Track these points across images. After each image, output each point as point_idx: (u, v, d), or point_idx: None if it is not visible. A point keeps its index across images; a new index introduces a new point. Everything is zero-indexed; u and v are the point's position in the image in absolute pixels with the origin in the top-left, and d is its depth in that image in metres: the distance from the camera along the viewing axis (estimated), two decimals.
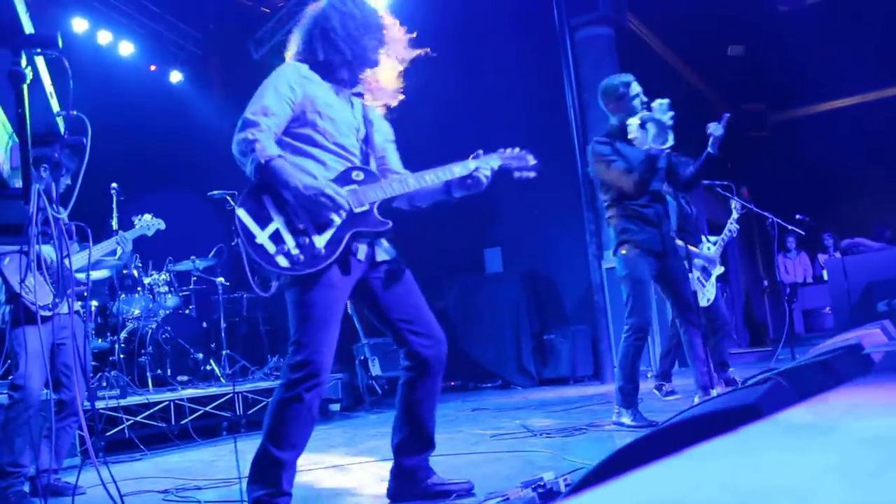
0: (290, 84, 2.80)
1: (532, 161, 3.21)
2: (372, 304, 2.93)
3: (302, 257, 2.62)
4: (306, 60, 2.94)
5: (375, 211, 2.81)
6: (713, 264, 6.29)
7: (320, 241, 2.66)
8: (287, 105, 2.78)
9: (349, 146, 2.89)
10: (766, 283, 14.60)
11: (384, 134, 3.16)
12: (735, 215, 6.59)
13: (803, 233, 7.60)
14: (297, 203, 2.65)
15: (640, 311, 4.61)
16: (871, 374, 1.85)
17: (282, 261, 2.60)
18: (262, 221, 2.65)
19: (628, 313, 4.65)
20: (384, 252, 2.94)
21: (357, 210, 2.75)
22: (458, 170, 3.00)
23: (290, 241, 2.63)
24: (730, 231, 6.46)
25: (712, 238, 6.45)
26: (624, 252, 4.66)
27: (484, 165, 3.03)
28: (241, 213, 2.65)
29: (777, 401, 1.36)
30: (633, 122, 4.41)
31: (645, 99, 4.63)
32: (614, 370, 5.04)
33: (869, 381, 1.63)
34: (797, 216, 7.72)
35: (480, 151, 3.08)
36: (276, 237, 2.63)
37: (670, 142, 4.38)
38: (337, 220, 2.69)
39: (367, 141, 2.99)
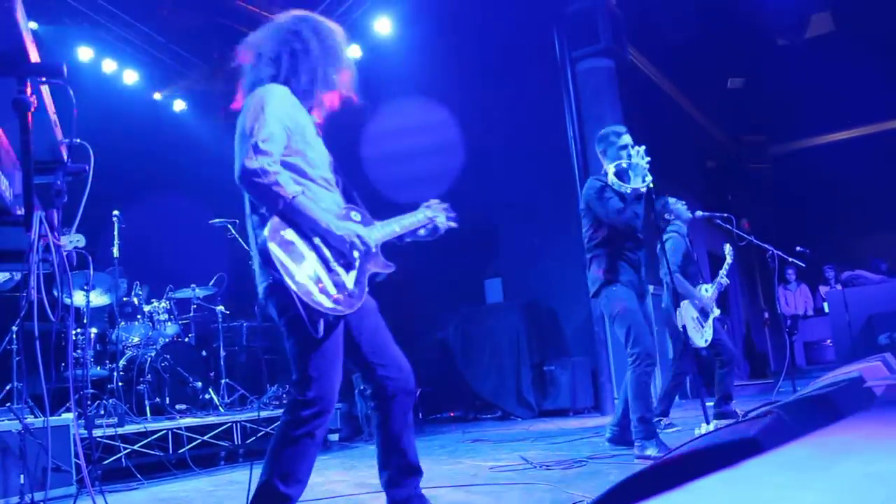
0: (286, 110, 2.73)
1: (451, 213, 3.29)
2: (345, 337, 2.83)
3: (341, 297, 2.61)
4: (286, 83, 2.84)
5: (380, 253, 2.84)
6: (710, 308, 6.31)
7: (350, 280, 2.67)
8: (284, 133, 2.69)
9: (328, 178, 2.87)
10: (766, 314, 14.58)
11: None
12: (729, 260, 6.65)
13: (803, 265, 7.60)
14: (325, 240, 2.64)
15: (642, 340, 4.65)
16: (872, 408, 1.84)
17: (325, 301, 2.55)
18: (297, 258, 2.56)
19: (632, 343, 4.65)
20: None
21: (372, 250, 2.81)
22: (420, 216, 3.12)
23: (327, 280, 2.59)
24: (720, 284, 6.52)
25: (706, 286, 6.47)
26: (615, 288, 4.75)
27: (439, 215, 3.15)
28: (274, 247, 2.53)
29: (778, 435, 1.35)
30: (610, 169, 4.69)
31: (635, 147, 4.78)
32: (615, 401, 5.02)
33: (870, 416, 1.62)
34: (797, 248, 7.72)
35: (435, 201, 3.20)
36: (313, 275, 2.57)
37: (649, 180, 4.56)
38: (358, 259, 2.73)
39: (336, 171, 2.96)
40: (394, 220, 3.01)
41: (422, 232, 3.15)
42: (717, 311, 6.36)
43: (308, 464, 2.65)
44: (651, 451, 4.50)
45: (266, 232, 2.55)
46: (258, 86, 2.80)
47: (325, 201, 2.77)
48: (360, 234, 2.68)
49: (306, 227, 2.61)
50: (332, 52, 2.92)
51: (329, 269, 2.63)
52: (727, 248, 6.71)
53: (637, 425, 4.61)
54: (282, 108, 2.71)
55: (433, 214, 3.13)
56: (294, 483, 2.62)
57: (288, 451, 2.61)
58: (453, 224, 3.26)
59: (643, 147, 4.62)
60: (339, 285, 2.61)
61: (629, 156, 4.67)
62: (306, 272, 2.55)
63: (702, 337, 6.16)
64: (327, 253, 2.64)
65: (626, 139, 4.86)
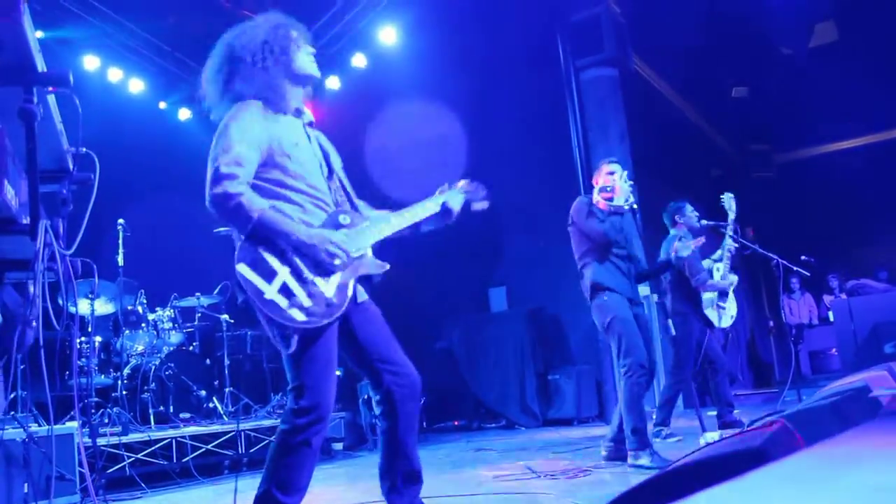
0: (256, 127, 2.72)
1: (482, 192, 3.27)
2: (350, 343, 2.86)
3: (317, 308, 2.57)
4: (249, 97, 2.83)
5: (370, 253, 2.80)
6: (728, 286, 6.30)
7: (329, 289, 2.62)
8: (256, 151, 2.70)
9: (318, 185, 2.83)
10: (771, 323, 14.54)
11: (336, 160, 3.06)
12: (732, 215, 6.54)
13: (808, 274, 7.58)
14: (300, 252, 2.61)
15: (634, 349, 4.71)
16: (878, 417, 1.83)
17: (297, 314, 2.53)
18: (268, 275, 2.56)
19: (624, 354, 4.72)
20: (363, 292, 2.89)
21: (354, 255, 2.74)
22: (430, 206, 3.03)
23: (300, 293, 2.56)
24: (730, 251, 6.43)
25: (714, 260, 6.44)
26: (605, 298, 4.88)
27: (452, 199, 3.10)
28: (243, 268, 2.55)
29: (783, 445, 1.35)
30: (595, 191, 5.13)
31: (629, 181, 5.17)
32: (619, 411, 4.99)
33: (876, 426, 1.62)
34: (802, 257, 7.70)
35: (446, 185, 3.17)
36: (285, 290, 2.55)
37: (631, 201, 4.93)
38: (340, 266, 2.67)
39: (329, 175, 2.92)
40: (396, 214, 2.96)
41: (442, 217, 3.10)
42: (734, 278, 6.34)
43: (306, 472, 2.64)
44: (644, 461, 4.52)
45: (237, 254, 2.59)
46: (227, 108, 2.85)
47: (309, 211, 2.77)
48: (333, 241, 2.63)
49: (278, 242, 2.60)
50: (275, 47, 2.86)
51: (303, 281, 2.59)
52: (727, 197, 6.62)
53: (630, 436, 4.65)
54: (249, 126, 2.72)
55: (445, 199, 3.09)
56: (293, 492, 2.61)
57: (285, 459, 2.61)
58: (484, 204, 3.26)
59: (626, 172, 5.04)
60: (315, 296, 2.58)
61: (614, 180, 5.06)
62: (276, 288, 2.54)
63: (728, 315, 6.22)
64: (301, 264, 2.60)
65: (614, 167, 5.16)
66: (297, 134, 2.86)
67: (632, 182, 5.00)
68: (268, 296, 2.52)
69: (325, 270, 2.64)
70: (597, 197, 5.07)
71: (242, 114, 2.75)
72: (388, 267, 2.82)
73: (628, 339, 4.72)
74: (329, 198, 2.86)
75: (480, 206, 3.26)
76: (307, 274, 2.61)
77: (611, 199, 4.97)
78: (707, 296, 6.21)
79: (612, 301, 4.85)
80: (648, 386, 4.94)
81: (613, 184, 4.99)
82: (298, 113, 2.94)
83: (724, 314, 6.24)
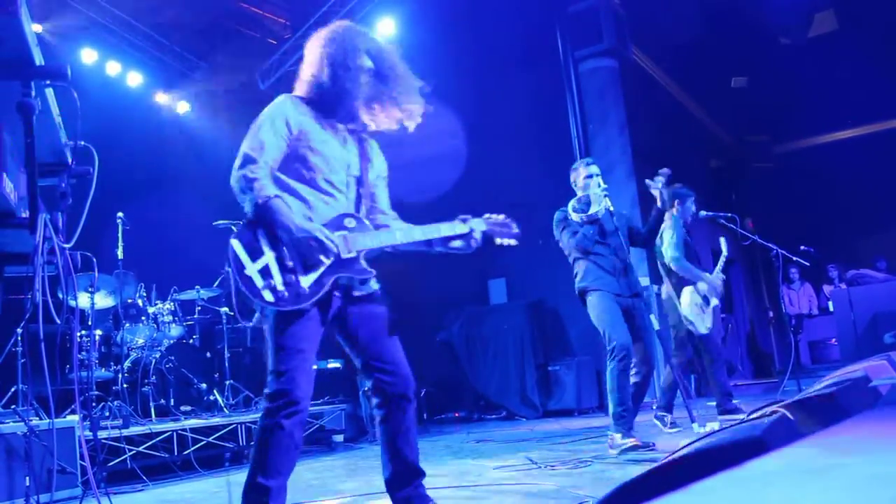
0: (286, 118, 2.88)
1: (515, 229, 3.24)
2: (346, 337, 2.96)
3: (286, 294, 2.68)
4: (306, 93, 3.00)
5: (361, 259, 2.86)
6: (714, 293, 6.27)
7: (306, 280, 2.72)
8: (283, 140, 2.86)
9: (337, 182, 2.93)
10: (771, 314, 14.55)
11: (377, 170, 3.19)
12: (725, 252, 6.59)
13: (808, 264, 7.58)
14: (290, 242, 2.73)
15: (617, 335, 4.96)
16: (877, 407, 1.84)
17: (267, 295, 2.67)
18: (254, 255, 2.72)
19: (608, 339, 4.99)
20: (363, 287, 2.96)
21: (344, 256, 2.81)
22: (444, 229, 3.02)
23: (277, 278, 2.70)
24: (722, 276, 6.48)
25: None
26: (591, 298, 5.18)
27: (477, 226, 3.08)
28: (235, 243, 2.73)
29: (783, 434, 1.35)
30: (572, 201, 5.33)
31: (604, 184, 5.28)
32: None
33: (876, 415, 1.62)
34: (802, 247, 7.71)
35: (469, 216, 3.10)
36: (264, 271, 2.70)
37: (605, 205, 5.13)
38: (325, 262, 2.76)
39: (360, 180, 3.02)
40: (410, 229, 3.00)
41: (457, 244, 3.08)
42: (715, 301, 6.32)
43: (284, 455, 2.69)
44: (623, 442, 4.73)
45: (236, 230, 2.80)
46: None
47: (316, 207, 2.86)
48: (321, 239, 2.71)
49: (274, 228, 2.73)
50: (353, 59, 2.96)
51: (284, 269, 2.72)
52: (722, 241, 6.66)
53: (612, 419, 4.93)
54: (280, 117, 2.88)
55: (471, 227, 3.06)
56: (273, 474, 2.67)
57: (262, 441, 2.70)
58: (511, 242, 3.21)
59: (600, 177, 5.25)
60: (289, 283, 2.70)
61: (589, 186, 5.25)
62: (257, 268, 2.70)
63: (703, 324, 6.15)
64: (287, 253, 2.73)
65: (592, 169, 5.34)
66: (328, 134, 2.96)
67: (606, 186, 5.19)
68: (248, 272, 2.69)
69: (307, 264, 2.74)
70: (570, 212, 5.28)
71: (276, 106, 2.93)
72: (372, 274, 2.89)
73: (611, 327, 5.00)
74: (345, 196, 2.96)
75: (506, 242, 3.21)
76: (290, 263, 2.73)
77: (586, 210, 5.20)
78: (688, 298, 6.15)
79: (596, 300, 5.14)
80: (649, 374, 5.23)
81: (588, 192, 5.22)
82: (342, 119, 3.03)
83: (700, 321, 6.15)
